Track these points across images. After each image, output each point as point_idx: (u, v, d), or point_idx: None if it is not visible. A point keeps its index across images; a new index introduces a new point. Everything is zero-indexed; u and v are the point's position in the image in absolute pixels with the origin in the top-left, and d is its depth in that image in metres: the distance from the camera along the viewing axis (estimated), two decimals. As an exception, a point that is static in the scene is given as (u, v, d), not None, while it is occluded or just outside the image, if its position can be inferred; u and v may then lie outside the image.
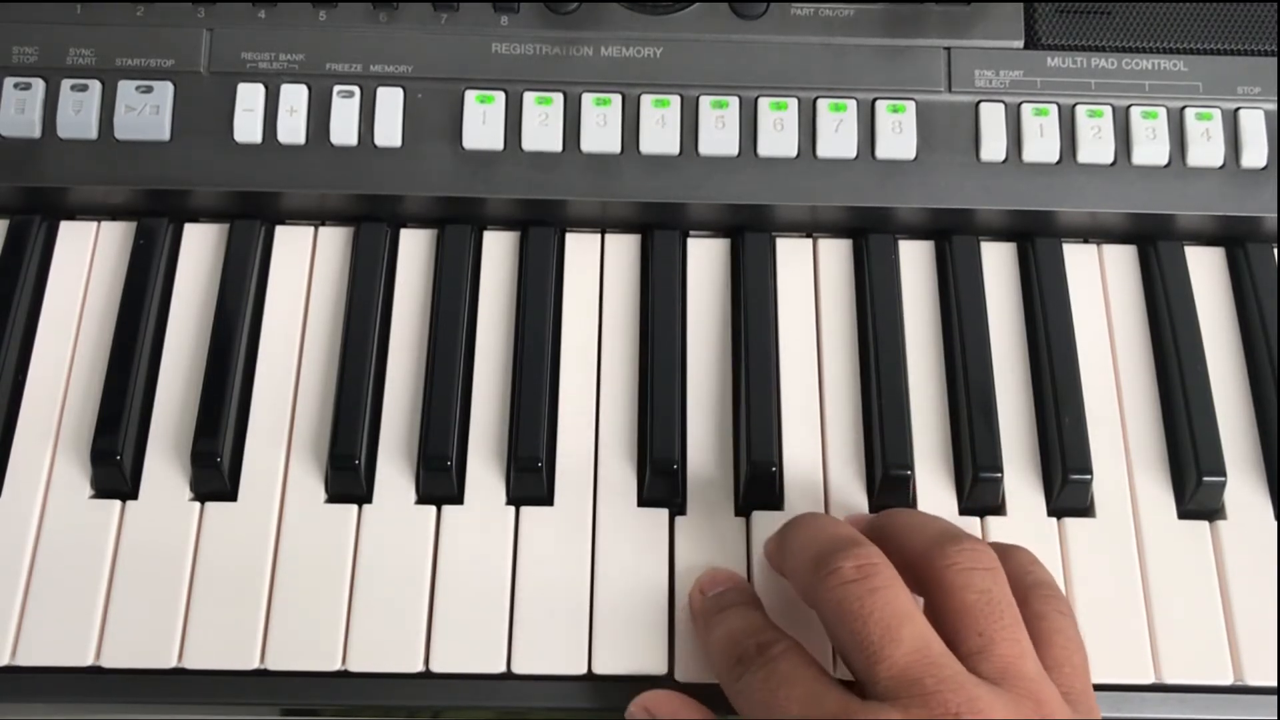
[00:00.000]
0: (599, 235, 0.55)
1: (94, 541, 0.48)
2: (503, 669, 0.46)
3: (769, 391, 0.50)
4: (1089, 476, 0.49)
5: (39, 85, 0.53)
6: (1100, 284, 0.54)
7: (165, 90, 0.53)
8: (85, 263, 0.54)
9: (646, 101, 0.53)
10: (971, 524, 0.49)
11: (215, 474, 0.49)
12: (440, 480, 0.49)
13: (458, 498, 0.49)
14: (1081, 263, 0.55)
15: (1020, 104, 0.54)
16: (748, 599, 0.45)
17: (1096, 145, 0.53)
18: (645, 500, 0.49)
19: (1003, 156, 0.53)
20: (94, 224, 0.55)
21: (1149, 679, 0.47)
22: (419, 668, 0.46)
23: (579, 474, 0.50)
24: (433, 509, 0.49)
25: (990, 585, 0.41)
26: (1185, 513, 0.50)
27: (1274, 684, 0.47)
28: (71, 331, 0.52)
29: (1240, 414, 0.52)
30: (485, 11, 0.54)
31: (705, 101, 0.53)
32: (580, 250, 0.55)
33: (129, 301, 0.52)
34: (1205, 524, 0.49)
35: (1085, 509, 0.50)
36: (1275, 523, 0.50)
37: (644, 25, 0.54)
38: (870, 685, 0.39)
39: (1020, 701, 0.38)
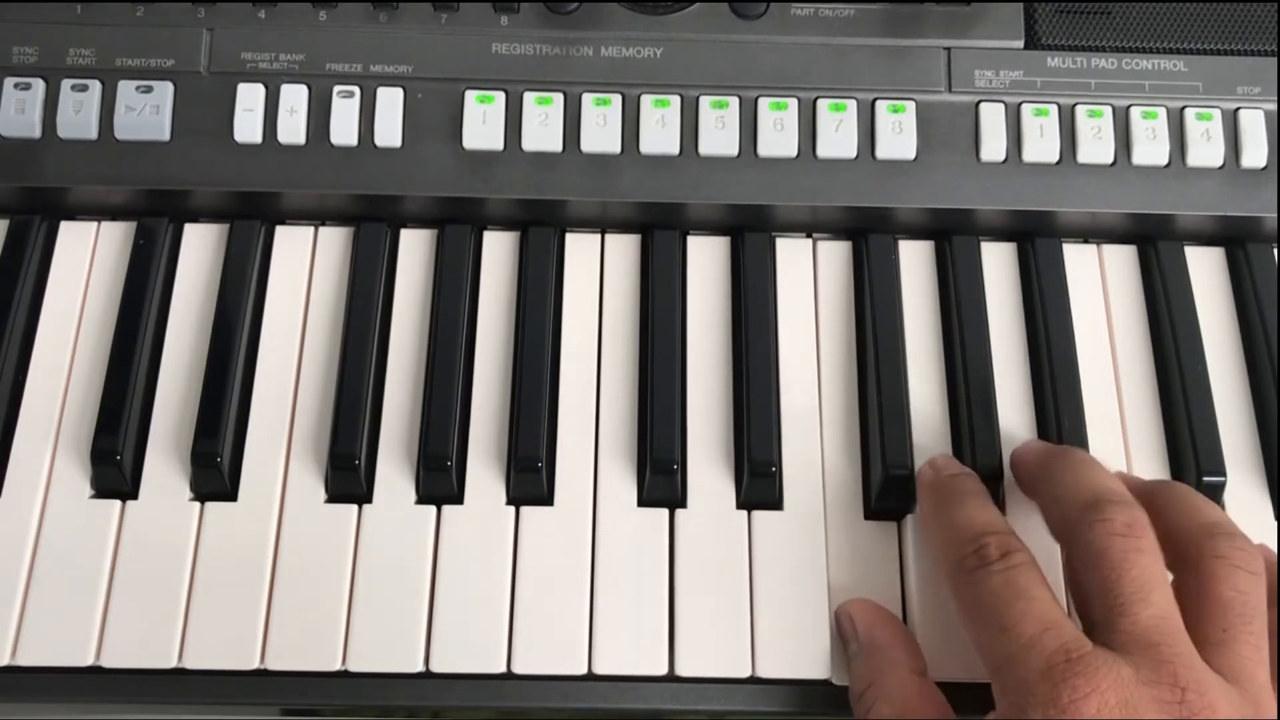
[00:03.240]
0: (599, 235, 0.55)
1: (94, 541, 0.48)
2: (503, 669, 0.46)
3: (769, 391, 0.50)
4: (1089, 476, 0.49)
5: (39, 85, 0.53)
6: (1100, 284, 0.54)
7: (165, 90, 0.53)
8: (85, 263, 0.54)
9: (646, 101, 0.53)
10: (971, 524, 0.49)
11: (215, 474, 0.49)
12: (440, 480, 0.49)
13: (458, 498, 0.49)
14: (1081, 263, 0.55)
15: (1020, 104, 0.54)
16: (986, 492, 0.46)
17: (1096, 145, 0.53)
18: (645, 500, 0.49)
19: (1003, 156, 0.53)
20: (94, 224, 0.55)
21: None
22: (419, 668, 0.46)
23: (579, 474, 0.50)
24: (433, 509, 0.49)
25: (1250, 589, 0.41)
26: (1185, 513, 0.50)
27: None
28: (71, 331, 0.52)
29: (1240, 414, 0.52)
30: (485, 11, 0.54)
31: (705, 101, 0.53)
32: (580, 250, 0.55)
33: (129, 301, 0.52)
34: (1205, 524, 0.50)
35: (1085, 509, 0.50)
36: (1275, 523, 0.50)
37: (644, 25, 0.54)
38: (1107, 634, 0.39)
39: (1244, 703, 0.38)
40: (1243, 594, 0.40)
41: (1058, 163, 0.53)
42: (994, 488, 0.49)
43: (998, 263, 0.55)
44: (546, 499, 0.49)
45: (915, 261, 0.55)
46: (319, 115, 0.53)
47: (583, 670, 0.46)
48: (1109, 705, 0.37)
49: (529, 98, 0.53)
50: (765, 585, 0.48)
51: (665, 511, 0.49)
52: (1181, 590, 0.41)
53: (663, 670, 0.46)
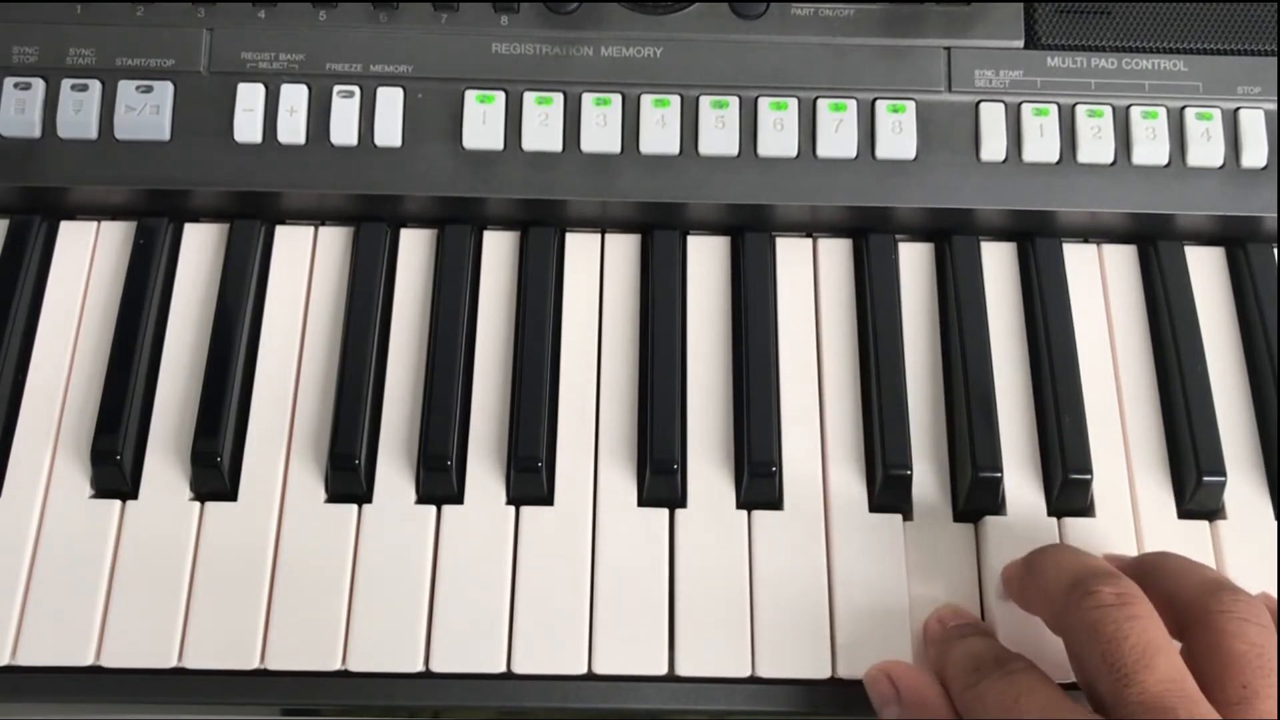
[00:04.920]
0: (599, 235, 0.55)
1: (94, 541, 0.48)
2: (503, 669, 0.46)
3: (769, 391, 0.50)
4: (1089, 476, 0.49)
5: (39, 85, 0.53)
6: (1100, 284, 0.54)
7: (165, 90, 0.53)
8: (85, 263, 0.54)
9: (646, 101, 0.53)
10: (971, 524, 0.49)
11: (215, 474, 0.49)
12: (440, 480, 0.49)
13: (458, 498, 0.49)
14: (1081, 263, 0.55)
15: (1020, 104, 0.54)
16: (992, 634, 0.45)
17: (1096, 145, 0.53)
18: (645, 500, 0.49)
19: (1003, 156, 0.53)
20: (94, 224, 0.55)
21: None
22: (419, 668, 0.46)
23: (579, 474, 0.50)
24: (433, 509, 0.49)
25: (1264, 641, 0.39)
26: (1185, 512, 0.50)
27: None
28: (71, 331, 0.52)
29: (1240, 414, 0.52)
30: (485, 11, 0.54)
31: (705, 101, 0.53)
32: (580, 250, 0.55)
33: (129, 301, 0.52)
34: (1205, 524, 0.50)
35: (1085, 509, 0.50)
36: (1275, 523, 0.50)
37: (644, 25, 0.54)
38: (1116, 708, 0.38)
39: None
40: (1257, 646, 0.39)
41: (1058, 163, 0.53)
42: (994, 490, 0.49)
43: (998, 263, 0.55)
44: (546, 499, 0.49)
45: (915, 261, 0.55)
46: (319, 115, 0.53)
47: (583, 670, 0.46)
48: None
49: (529, 98, 0.53)
50: (765, 585, 0.48)
51: (665, 511, 0.49)
52: (1191, 655, 0.40)
53: (663, 670, 0.46)
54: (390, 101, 0.53)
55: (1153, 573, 0.43)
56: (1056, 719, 0.38)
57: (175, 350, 0.52)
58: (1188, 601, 0.41)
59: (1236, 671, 0.38)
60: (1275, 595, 0.42)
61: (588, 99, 0.53)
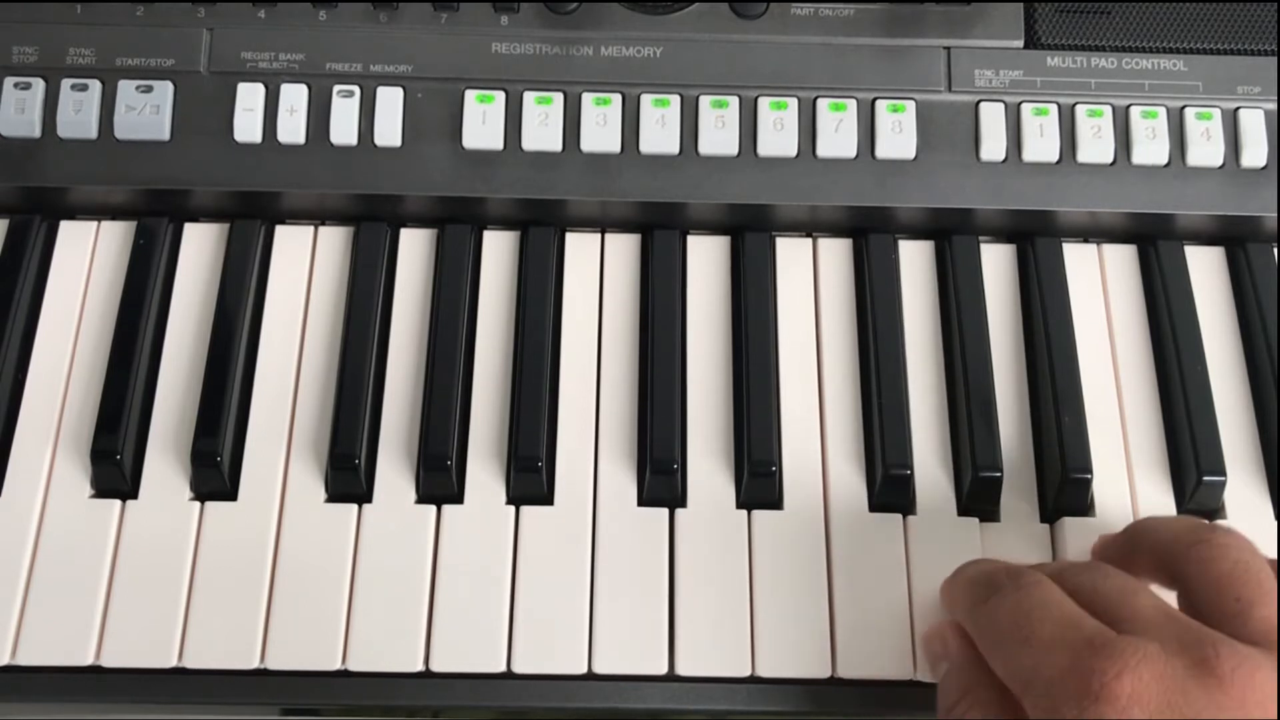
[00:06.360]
0: (599, 235, 0.55)
1: (94, 541, 0.48)
2: (503, 669, 0.46)
3: (769, 391, 0.50)
4: (1089, 476, 0.49)
5: (39, 85, 0.53)
6: (1100, 284, 0.54)
7: (165, 90, 0.53)
8: (85, 263, 0.54)
9: (646, 101, 0.53)
10: (970, 524, 0.49)
11: (215, 474, 0.49)
12: (440, 480, 0.49)
13: (458, 497, 0.49)
14: (1081, 262, 0.55)
15: (1020, 104, 0.54)
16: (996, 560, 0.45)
17: (1096, 145, 0.53)
18: (645, 500, 0.49)
19: (1003, 156, 0.53)
20: (94, 224, 0.55)
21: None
22: (419, 668, 0.46)
23: (579, 474, 0.50)
24: (433, 509, 0.49)
25: (1247, 557, 0.40)
26: (1186, 512, 0.50)
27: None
28: (71, 331, 0.52)
29: (1240, 414, 0.52)
30: (485, 11, 0.54)
31: (705, 101, 0.53)
32: (580, 250, 0.55)
33: (129, 301, 0.52)
34: (1205, 524, 0.50)
35: (1085, 509, 0.50)
36: (1275, 523, 0.50)
37: (644, 25, 0.54)
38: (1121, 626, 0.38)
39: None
40: (1241, 563, 0.39)
41: (1058, 162, 0.53)
42: (993, 492, 0.49)
43: (998, 262, 0.55)
44: (546, 499, 0.49)
45: (915, 261, 0.55)
46: (319, 115, 0.53)
47: (583, 670, 0.46)
48: (1143, 680, 0.35)
49: (529, 97, 0.53)
50: (765, 585, 0.48)
51: (665, 511, 0.49)
52: (1187, 596, 0.40)
53: (663, 670, 0.46)
54: (390, 101, 0.53)
55: (1137, 538, 0.44)
56: (1072, 634, 0.38)
57: (175, 350, 0.52)
58: (1168, 551, 0.42)
59: (1227, 587, 0.39)
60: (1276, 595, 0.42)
61: (588, 99, 0.53)
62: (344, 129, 0.53)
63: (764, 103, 0.53)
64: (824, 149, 0.53)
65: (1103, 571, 0.41)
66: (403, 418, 0.51)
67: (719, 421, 0.51)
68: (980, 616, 0.41)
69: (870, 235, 0.54)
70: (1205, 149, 0.53)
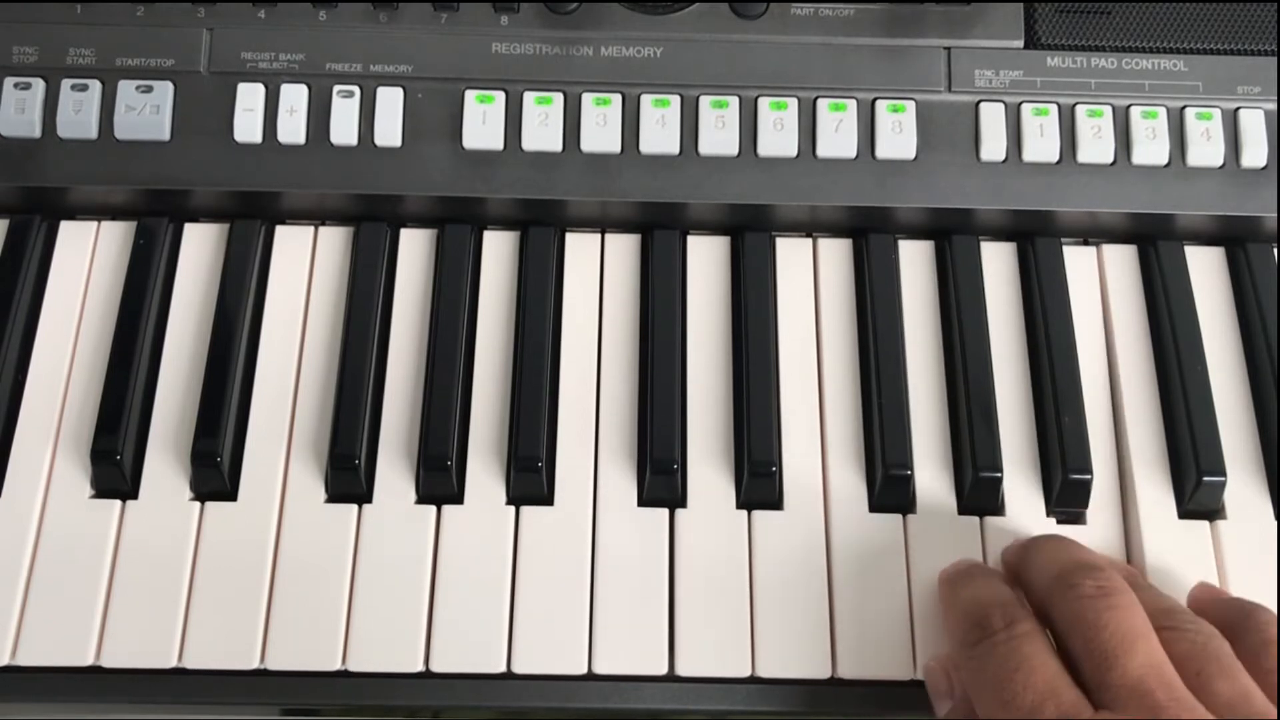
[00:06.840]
0: (599, 235, 0.55)
1: (94, 541, 0.48)
2: (503, 669, 0.46)
3: (769, 391, 0.50)
4: (1089, 476, 0.49)
5: (39, 85, 0.53)
6: (1100, 284, 0.54)
7: (165, 90, 0.53)
8: (85, 263, 0.54)
9: (646, 101, 0.53)
10: (971, 524, 0.49)
11: (215, 474, 0.49)
12: (440, 480, 0.49)
13: (458, 498, 0.49)
14: (1081, 263, 0.55)
15: (1020, 104, 0.54)
16: (997, 573, 0.46)
17: (1096, 145, 0.53)
18: (645, 500, 0.49)
19: (1003, 156, 0.53)
20: (94, 224, 0.55)
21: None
22: (419, 668, 0.46)
23: (579, 474, 0.50)
24: (433, 509, 0.49)
25: (1206, 640, 0.41)
26: (1185, 512, 0.50)
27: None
28: (71, 331, 0.52)
29: (1240, 414, 0.52)
30: (485, 11, 0.54)
31: (705, 101, 0.53)
32: (580, 250, 0.55)
33: (129, 301, 0.52)
34: (1205, 524, 0.49)
35: (1084, 508, 0.50)
36: (1275, 523, 0.50)
37: (644, 25, 0.54)
38: (1099, 692, 0.39)
39: None
40: (1200, 642, 0.40)
41: (1058, 162, 0.53)
42: (994, 492, 0.49)
43: (998, 262, 0.55)
44: (546, 499, 0.49)
45: (915, 261, 0.55)
46: (319, 115, 0.53)
47: (583, 670, 0.46)
48: None
49: (529, 97, 0.53)
50: (765, 585, 0.48)
51: (665, 511, 0.49)
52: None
53: (663, 670, 0.46)
54: (390, 101, 0.53)
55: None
56: (1050, 706, 0.38)
57: (175, 350, 0.52)
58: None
59: (1183, 663, 0.40)
60: (1275, 595, 0.43)
61: (588, 99, 0.53)
62: (344, 129, 0.53)
63: (764, 103, 0.53)
64: (824, 149, 0.53)
65: (1113, 604, 0.41)
66: (403, 418, 0.51)
67: (719, 422, 0.51)
68: (969, 661, 0.42)
69: (870, 235, 0.54)
70: (1205, 149, 0.53)
